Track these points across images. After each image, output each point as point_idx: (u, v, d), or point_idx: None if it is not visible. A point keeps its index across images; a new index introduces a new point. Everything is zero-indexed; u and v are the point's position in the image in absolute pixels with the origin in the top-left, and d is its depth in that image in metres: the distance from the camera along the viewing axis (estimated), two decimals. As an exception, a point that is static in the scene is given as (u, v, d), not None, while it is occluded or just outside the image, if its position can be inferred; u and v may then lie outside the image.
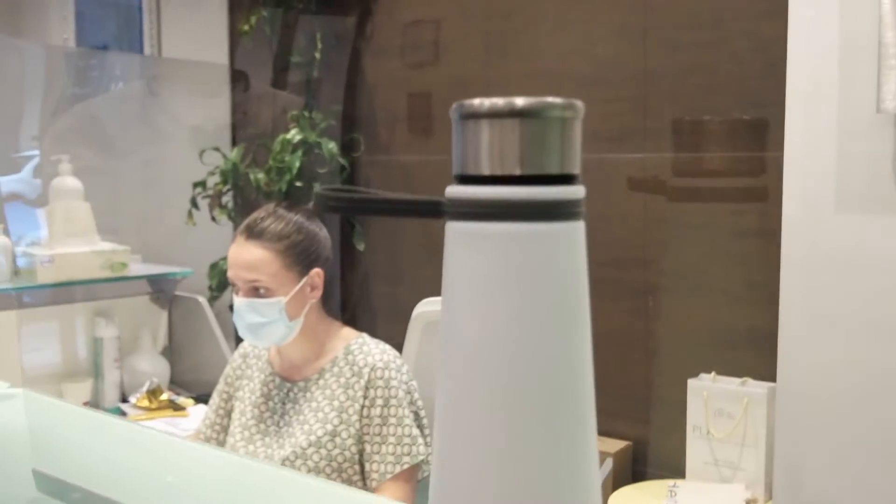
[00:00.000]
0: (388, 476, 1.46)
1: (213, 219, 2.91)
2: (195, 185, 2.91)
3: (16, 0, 3.25)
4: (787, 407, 1.81)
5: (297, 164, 2.78)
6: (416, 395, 1.53)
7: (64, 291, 2.54)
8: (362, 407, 1.48)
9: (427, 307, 1.72)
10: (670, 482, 2.09)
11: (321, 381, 1.52)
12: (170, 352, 2.84)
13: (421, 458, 1.48)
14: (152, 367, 2.70)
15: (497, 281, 0.37)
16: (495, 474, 0.37)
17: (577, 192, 0.38)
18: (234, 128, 3.26)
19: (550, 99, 0.37)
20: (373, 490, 1.47)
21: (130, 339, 2.71)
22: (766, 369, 1.98)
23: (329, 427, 1.47)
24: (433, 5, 2.77)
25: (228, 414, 1.63)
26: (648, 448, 2.37)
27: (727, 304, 2.20)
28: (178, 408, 2.50)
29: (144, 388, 2.53)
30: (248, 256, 1.49)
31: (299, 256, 1.51)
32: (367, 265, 2.99)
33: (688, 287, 2.28)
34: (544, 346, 0.37)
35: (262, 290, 1.49)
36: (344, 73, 2.96)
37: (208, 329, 2.73)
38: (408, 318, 1.75)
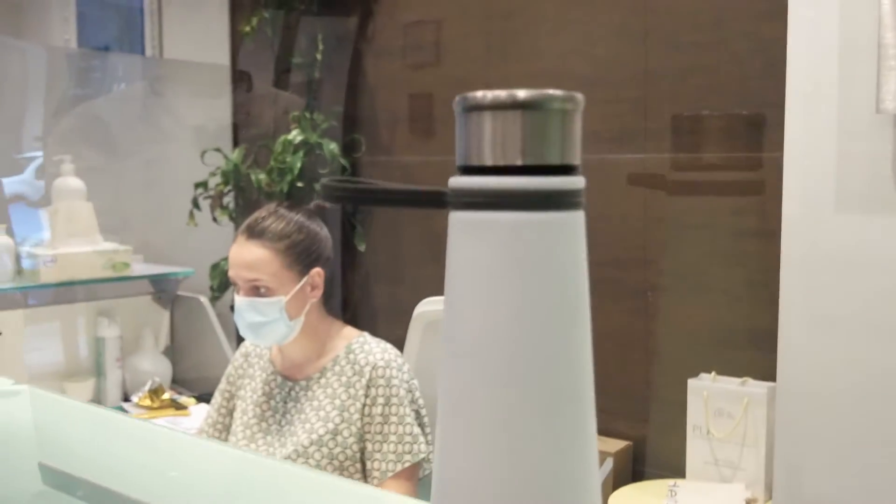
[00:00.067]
0: (390, 474, 1.46)
1: (215, 219, 2.92)
2: (196, 185, 2.92)
3: (17, 1, 3.26)
4: (787, 407, 1.81)
5: (299, 164, 2.79)
6: (418, 394, 1.53)
7: (66, 291, 2.55)
8: (363, 405, 1.48)
9: (428, 307, 1.72)
10: (670, 482, 2.09)
11: (323, 380, 1.53)
12: (172, 351, 2.85)
13: (422, 456, 1.49)
14: (154, 366, 2.71)
15: (499, 268, 0.38)
16: (498, 456, 0.38)
17: (577, 182, 0.39)
18: (236, 129, 3.27)
19: (551, 91, 0.38)
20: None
21: (132, 338, 2.72)
22: (766, 369, 1.98)
23: (330, 426, 1.48)
24: (434, 6, 2.78)
25: (230, 413, 1.64)
26: (649, 448, 2.37)
27: (727, 304, 2.21)
28: (179, 407, 2.51)
29: (146, 388, 2.54)
30: (248, 256, 1.50)
31: (300, 256, 1.52)
32: (367, 265, 3.00)
33: (688, 287, 2.28)
34: (546, 330, 0.38)
35: (262, 290, 1.49)
36: (345, 74, 2.97)
37: (210, 328, 2.74)
38: (408, 318, 1.75)
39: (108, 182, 2.87)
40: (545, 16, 2.51)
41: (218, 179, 2.95)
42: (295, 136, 2.82)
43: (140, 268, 2.82)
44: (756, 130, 2.16)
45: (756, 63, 2.13)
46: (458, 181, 0.39)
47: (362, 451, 1.49)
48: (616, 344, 2.40)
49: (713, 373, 2.14)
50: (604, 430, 2.35)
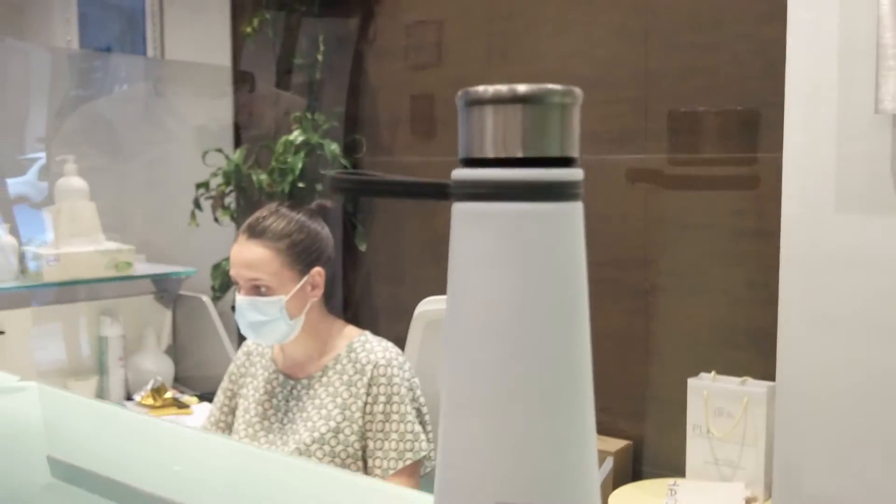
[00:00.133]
0: (391, 472, 1.47)
1: (216, 220, 2.93)
2: (198, 185, 2.93)
3: (19, 3, 3.27)
4: (787, 406, 1.82)
5: (300, 165, 2.80)
6: (419, 392, 1.54)
7: (69, 290, 2.56)
8: (365, 404, 1.49)
9: (429, 306, 1.73)
10: (670, 481, 2.10)
11: (324, 379, 1.53)
12: (174, 350, 2.86)
13: (423, 453, 1.49)
14: (156, 365, 2.72)
15: (501, 257, 0.39)
16: (500, 442, 0.39)
17: (575, 173, 0.40)
18: (237, 129, 3.28)
19: (551, 86, 0.40)
20: (375, 485, 1.48)
21: (135, 337, 2.73)
22: (765, 368, 1.99)
23: (332, 424, 1.48)
24: (435, 7, 2.79)
25: (233, 411, 1.65)
26: (649, 447, 2.38)
27: (727, 303, 2.22)
28: (182, 406, 2.52)
29: (149, 387, 2.55)
30: (249, 255, 1.51)
31: (300, 255, 1.52)
32: (368, 265, 3.01)
33: (688, 287, 2.29)
34: (546, 315, 0.39)
35: (263, 289, 1.50)
36: (346, 75, 2.98)
37: (212, 328, 2.75)
38: (409, 318, 1.76)
39: (110, 182, 2.88)
40: (546, 17, 2.52)
41: (219, 180, 2.96)
42: (296, 136, 2.83)
43: (142, 267, 2.83)
44: (755, 131, 2.17)
45: (756, 63, 2.14)
46: (461, 173, 0.40)
47: (364, 449, 1.50)
48: (616, 344, 2.41)
49: (713, 372, 2.15)
50: (604, 430, 2.36)
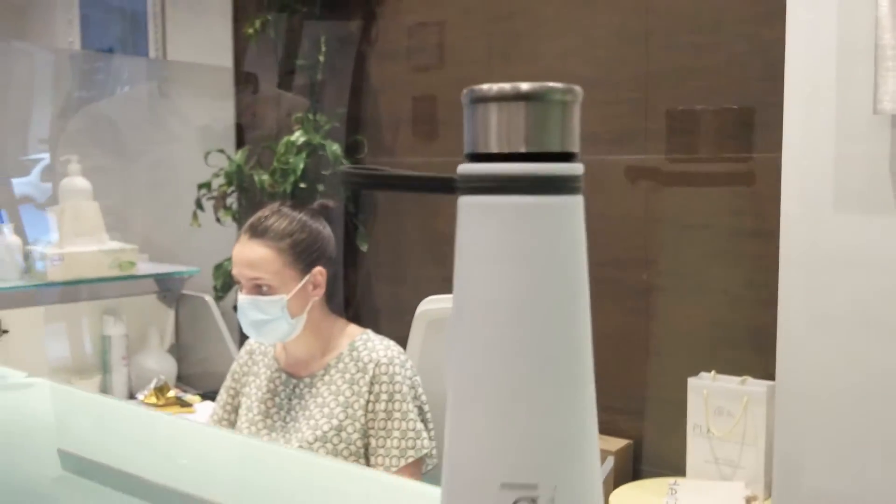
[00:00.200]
0: (393, 469, 1.48)
1: (218, 220, 2.94)
2: (200, 186, 2.94)
3: (22, 4, 3.28)
4: (787, 405, 1.82)
5: (302, 165, 2.81)
6: (420, 391, 1.55)
7: (73, 290, 2.58)
8: (367, 402, 1.50)
9: (431, 305, 1.74)
10: (671, 480, 2.11)
11: (326, 377, 1.54)
12: (177, 349, 2.87)
13: (425, 451, 1.50)
14: (159, 364, 2.73)
15: (505, 248, 0.41)
16: (506, 428, 0.41)
17: (576, 168, 0.42)
18: (239, 130, 3.30)
19: (552, 84, 0.42)
20: (378, 483, 1.49)
21: (138, 336, 2.74)
22: (765, 368, 2.00)
23: (334, 422, 1.49)
24: (436, 9, 2.80)
25: (235, 410, 1.66)
26: (649, 446, 2.39)
27: (727, 303, 2.23)
28: (185, 404, 2.53)
29: (152, 385, 2.55)
30: (250, 254, 1.52)
31: (302, 254, 1.53)
32: (370, 265, 3.02)
33: (688, 287, 2.30)
34: (549, 302, 0.41)
35: (264, 288, 1.51)
36: (348, 76, 2.99)
37: (215, 327, 2.76)
38: (410, 318, 1.76)
39: (113, 182, 2.89)
40: (546, 17, 2.53)
41: (221, 180, 2.97)
42: (298, 137, 2.84)
43: (145, 267, 2.84)
44: (755, 131, 2.18)
45: (755, 64, 2.15)
46: (467, 168, 0.42)
47: (366, 446, 1.51)
48: (616, 343, 2.42)
49: (713, 372, 2.16)
50: (604, 429, 2.37)
